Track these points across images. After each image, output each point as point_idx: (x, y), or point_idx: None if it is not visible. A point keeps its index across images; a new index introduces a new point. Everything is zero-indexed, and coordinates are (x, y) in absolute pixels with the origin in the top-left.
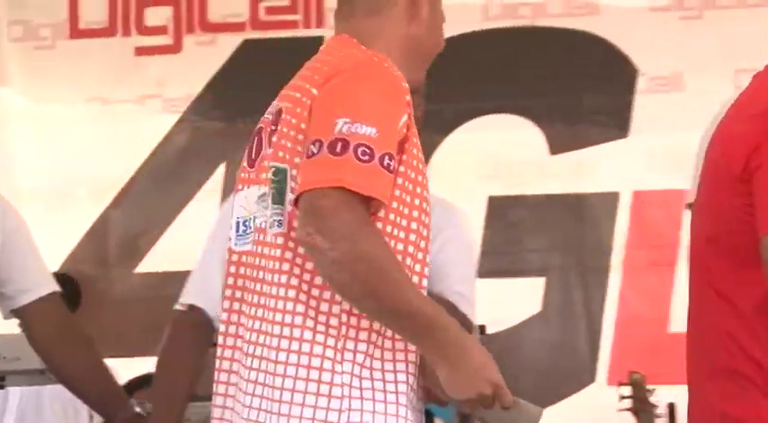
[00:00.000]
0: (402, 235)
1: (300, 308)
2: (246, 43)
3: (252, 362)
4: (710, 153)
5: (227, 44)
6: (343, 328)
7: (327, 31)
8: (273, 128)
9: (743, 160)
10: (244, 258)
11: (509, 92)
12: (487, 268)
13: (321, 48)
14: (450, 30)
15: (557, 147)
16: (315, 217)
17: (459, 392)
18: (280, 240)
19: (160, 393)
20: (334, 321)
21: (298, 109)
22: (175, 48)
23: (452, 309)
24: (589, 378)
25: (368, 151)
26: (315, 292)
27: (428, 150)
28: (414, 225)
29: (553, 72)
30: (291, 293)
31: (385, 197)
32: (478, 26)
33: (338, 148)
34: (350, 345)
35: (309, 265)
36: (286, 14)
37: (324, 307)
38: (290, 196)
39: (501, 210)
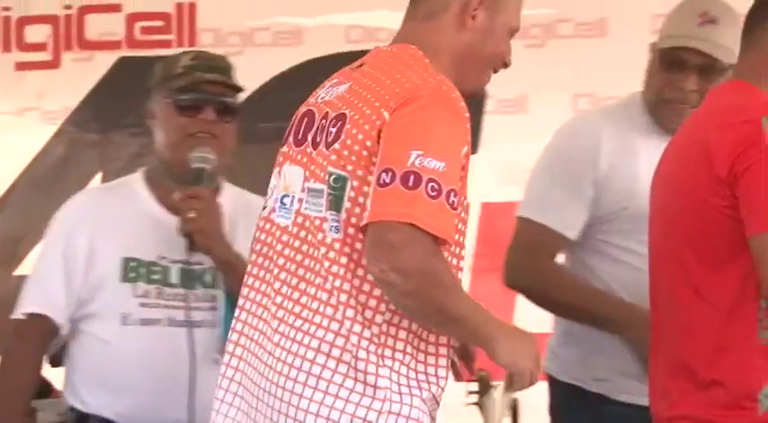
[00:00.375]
0: (448, 258)
1: (350, 312)
2: (122, 60)
3: (287, 344)
4: (672, 163)
5: (104, 61)
6: (382, 337)
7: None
8: (333, 130)
9: (728, 164)
10: (278, 233)
11: None
12: None
13: (386, 51)
14: (315, 51)
15: None
16: (387, 252)
17: (523, 362)
18: (337, 246)
19: (4, 392)
20: (375, 329)
21: (366, 126)
22: (54, 64)
23: None
24: None
25: (436, 187)
26: (362, 298)
27: None
28: (457, 249)
29: None
30: (343, 297)
31: (451, 237)
32: (341, 48)
33: (411, 182)
34: (388, 352)
35: (360, 272)
36: (160, 34)
37: (368, 314)
38: (347, 205)
39: None
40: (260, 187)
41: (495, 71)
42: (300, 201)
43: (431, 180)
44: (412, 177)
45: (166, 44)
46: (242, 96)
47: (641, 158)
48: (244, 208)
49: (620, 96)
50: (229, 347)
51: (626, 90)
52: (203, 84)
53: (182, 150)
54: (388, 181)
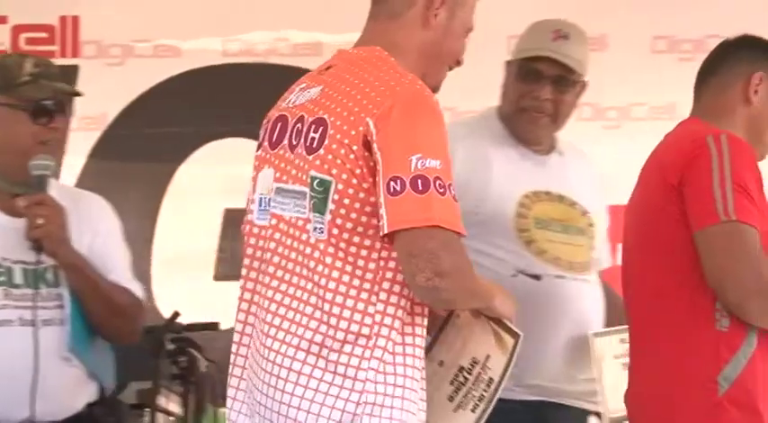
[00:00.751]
0: None
1: (336, 310)
2: None
3: (272, 344)
4: (640, 185)
5: None
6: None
7: (82, 61)
8: (314, 136)
9: (678, 173)
10: (262, 232)
11: (244, 118)
12: (223, 272)
13: (353, 54)
14: (194, 63)
15: None
16: (427, 260)
17: (512, 310)
18: (321, 246)
19: None
20: (355, 326)
21: (352, 131)
22: None
23: (129, 293)
24: None
25: (442, 184)
26: (351, 293)
27: (172, 167)
28: None
29: None
30: (329, 296)
31: (464, 230)
32: (219, 61)
33: (420, 186)
34: (363, 341)
35: (348, 268)
36: (44, 45)
37: (356, 309)
38: (331, 207)
39: (235, 220)
40: (143, 189)
41: (451, 69)
42: (269, 201)
43: (436, 179)
44: (420, 181)
45: (50, 54)
46: (123, 104)
47: (494, 167)
48: (72, 203)
49: (476, 110)
50: (233, 348)
51: (483, 104)
52: (56, 93)
53: (30, 157)
54: (399, 189)
